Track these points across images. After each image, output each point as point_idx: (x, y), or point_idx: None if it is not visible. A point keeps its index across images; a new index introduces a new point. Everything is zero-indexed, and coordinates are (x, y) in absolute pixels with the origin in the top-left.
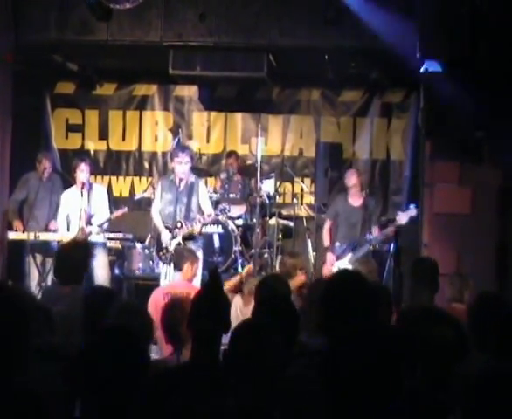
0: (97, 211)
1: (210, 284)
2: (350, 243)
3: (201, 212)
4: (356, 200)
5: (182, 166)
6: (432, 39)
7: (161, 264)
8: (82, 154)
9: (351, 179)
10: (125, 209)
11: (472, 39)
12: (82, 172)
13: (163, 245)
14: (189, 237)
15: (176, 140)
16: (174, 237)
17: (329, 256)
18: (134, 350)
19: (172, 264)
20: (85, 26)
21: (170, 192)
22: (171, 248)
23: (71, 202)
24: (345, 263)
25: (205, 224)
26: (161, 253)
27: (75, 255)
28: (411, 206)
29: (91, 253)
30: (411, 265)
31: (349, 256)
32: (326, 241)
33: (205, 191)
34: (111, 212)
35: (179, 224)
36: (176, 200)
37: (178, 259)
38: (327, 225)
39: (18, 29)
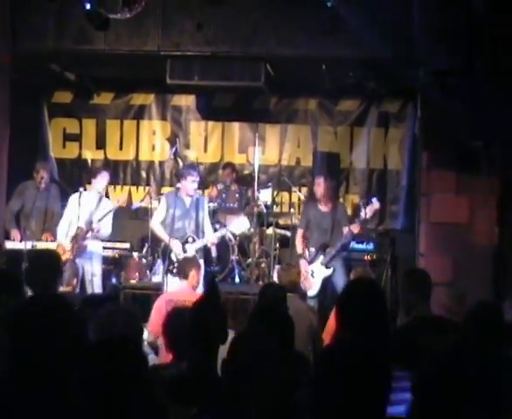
0: (102, 224)
1: (207, 293)
2: (320, 245)
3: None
4: (325, 205)
5: (194, 184)
6: (430, 49)
7: (170, 276)
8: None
9: (318, 189)
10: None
11: (469, 49)
12: (103, 178)
13: (173, 258)
14: (204, 253)
15: (174, 149)
16: (185, 251)
17: (302, 263)
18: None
19: (176, 272)
20: (82, 35)
21: (178, 208)
22: None
23: (81, 206)
24: (318, 265)
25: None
26: (171, 267)
27: (44, 266)
28: (373, 199)
29: (60, 267)
30: (405, 277)
31: (321, 258)
32: (299, 249)
33: (207, 210)
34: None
35: (190, 239)
36: (185, 215)
37: (185, 267)
38: (299, 234)
39: (16, 38)
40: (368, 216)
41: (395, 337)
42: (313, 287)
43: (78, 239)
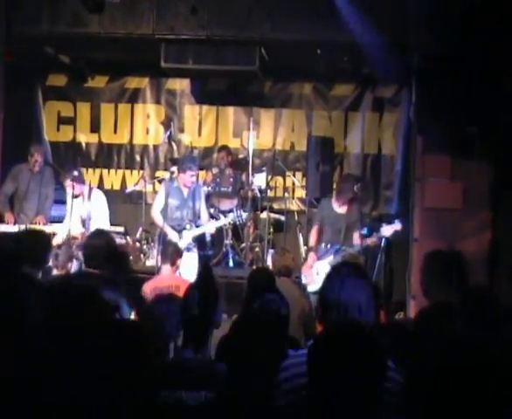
0: (96, 218)
1: (201, 277)
2: (333, 246)
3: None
4: (341, 206)
5: (192, 178)
6: (425, 34)
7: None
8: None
9: (347, 192)
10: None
11: (464, 34)
12: (69, 187)
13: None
14: (198, 238)
15: (168, 133)
16: (181, 238)
17: (311, 255)
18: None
19: (163, 256)
20: (77, 18)
21: (177, 198)
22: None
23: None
24: (325, 264)
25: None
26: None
27: (32, 245)
28: (397, 221)
29: (48, 246)
30: (428, 258)
31: (330, 258)
32: (311, 241)
33: (204, 197)
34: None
35: (188, 226)
36: (183, 205)
37: (173, 253)
38: (314, 229)
39: (10, 21)
40: (388, 235)
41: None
42: (314, 284)
43: (76, 242)
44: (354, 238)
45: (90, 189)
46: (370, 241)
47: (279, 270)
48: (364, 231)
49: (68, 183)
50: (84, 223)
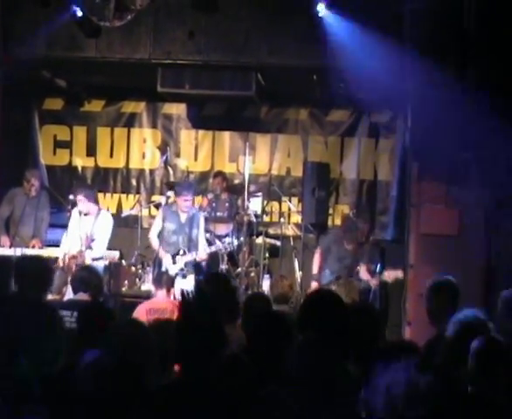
0: (98, 238)
1: (197, 298)
2: (336, 277)
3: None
4: (349, 244)
5: (186, 202)
6: (420, 60)
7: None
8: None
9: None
10: (117, 256)
11: (460, 60)
12: (80, 202)
13: (163, 269)
14: (194, 264)
15: (164, 157)
16: (175, 263)
17: (314, 284)
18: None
19: (158, 284)
20: (73, 43)
21: (174, 223)
22: (171, 272)
23: (76, 222)
24: None
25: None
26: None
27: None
28: (399, 270)
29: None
30: (432, 286)
31: (333, 287)
32: (314, 269)
33: (203, 225)
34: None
35: (181, 252)
36: (179, 231)
37: (169, 281)
38: (317, 253)
39: (7, 44)
40: (389, 280)
41: None
42: None
43: (76, 262)
44: (361, 271)
45: (99, 210)
46: (372, 282)
47: (276, 297)
48: (376, 268)
49: (80, 198)
50: (84, 241)
